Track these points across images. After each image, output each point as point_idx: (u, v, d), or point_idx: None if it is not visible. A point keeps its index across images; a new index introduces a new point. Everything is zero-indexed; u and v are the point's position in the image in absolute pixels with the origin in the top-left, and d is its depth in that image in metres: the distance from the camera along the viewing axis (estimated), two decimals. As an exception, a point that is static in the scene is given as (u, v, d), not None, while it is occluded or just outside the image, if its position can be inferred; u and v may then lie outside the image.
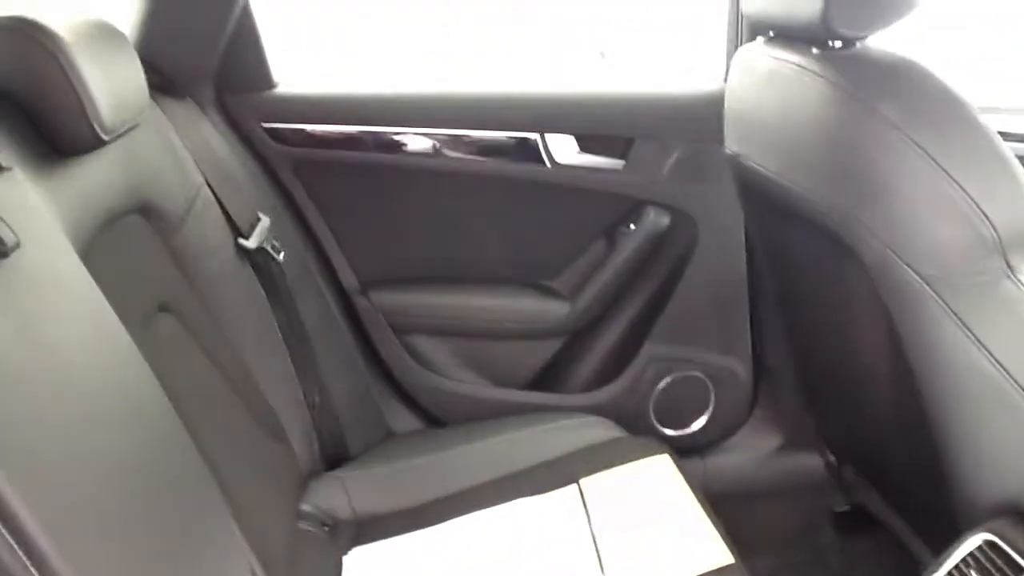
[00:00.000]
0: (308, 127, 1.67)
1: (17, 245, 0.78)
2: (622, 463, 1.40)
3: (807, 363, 1.62)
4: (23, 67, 0.98)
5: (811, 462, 1.75)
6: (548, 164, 1.67)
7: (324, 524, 1.36)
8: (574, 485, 1.37)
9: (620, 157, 1.68)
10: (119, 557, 0.78)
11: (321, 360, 1.55)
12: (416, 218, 1.77)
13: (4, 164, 0.90)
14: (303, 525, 1.34)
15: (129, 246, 1.17)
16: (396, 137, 1.68)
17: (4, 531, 0.67)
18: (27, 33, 0.99)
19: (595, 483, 1.37)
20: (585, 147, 1.69)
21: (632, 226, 1.72)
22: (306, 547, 1.30)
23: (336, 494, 1.42)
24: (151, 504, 0.86)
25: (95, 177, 1.09)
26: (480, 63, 2.46)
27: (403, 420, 1.81)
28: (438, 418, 1.81)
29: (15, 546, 0.68)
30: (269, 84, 1.68)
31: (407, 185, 1.72)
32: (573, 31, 2.61)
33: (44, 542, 0.69)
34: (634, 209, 1.71)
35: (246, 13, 1.58)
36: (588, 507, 1.32)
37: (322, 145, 1.68)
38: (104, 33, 1.14)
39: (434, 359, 1.81)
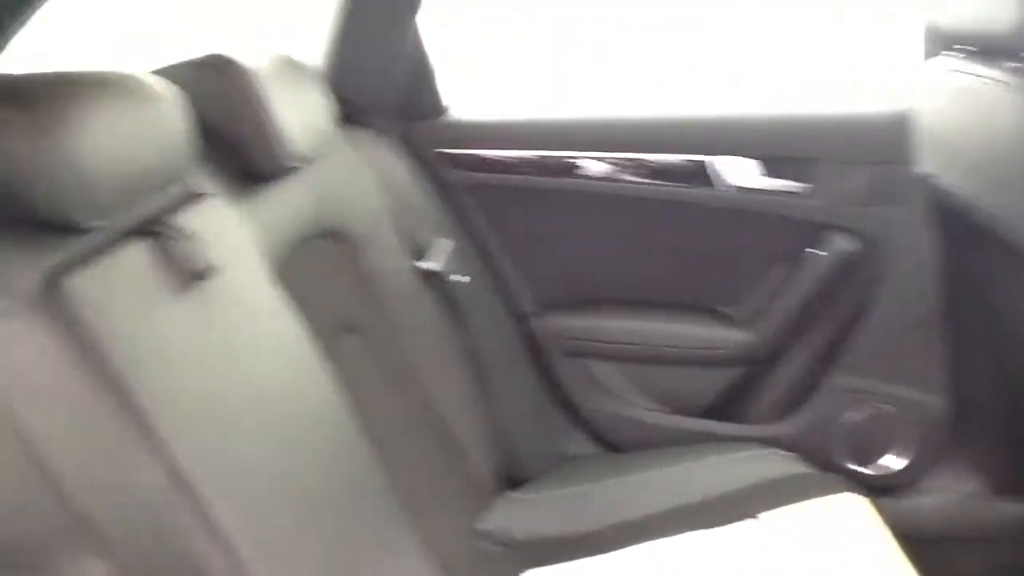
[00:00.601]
0: (483, 152, 1.70)
1: (216, 268, 0.83)
2: (804, 499, 1.34)
3: (1019, 403, 1.50)
4: (220, 100, 1.05)
5: (1013, 510, 1.61)
6: (725, 187, 1.63)
7: (500, 544, 1.37)
8: (752, 520, 1.31)
9: (802, 180, 1.61)
10: (306, 562, 0.81)
11: (498, 382, 1.56)
12: (591, 242, 1.76)
13: (205, 191, 0.97)
14: (480, 544, 1.35)
15: (317, 269, 1.23)
16: (570, 161, 1.68)
17: (211, 539, 0.72)
18: (224, 69, 1.06)
19: (775, 519, 1.31)
20: (765, 170, 1.63)
21: (816, 251, 1.64)
22: (483, 566, 1.31)
23: (512, 515, 1.42)
24: (337, 516, 0.90)
25: (286, 203, 1.16)
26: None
27: (578, 444, 1.80)
28: (613, 443, 1.79)
29: (215, 545, 0.72)
30: (442, 110, 1.73)
31: (582, 209, 1.72)
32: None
33: (245, 549, 0.73)
34: (818, 233, 1.64)
35: (418, 42, 1.63)
36: (767, 545, 1.26)
37: (497, 170, 1.71)
38: (294, 69, 1.21)
39: (610, 384, 1.79)
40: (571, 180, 1.69)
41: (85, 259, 0.73)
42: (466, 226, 1.73)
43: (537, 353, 1.79)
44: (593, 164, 1.67)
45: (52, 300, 0.69)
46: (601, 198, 1.70)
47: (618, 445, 1.78)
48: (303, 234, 1.20)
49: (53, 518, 0.65)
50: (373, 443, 1.05)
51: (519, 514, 1.43)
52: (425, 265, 1.47)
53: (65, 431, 0.67)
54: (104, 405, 0.70)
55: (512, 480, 1.56)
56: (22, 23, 0.91)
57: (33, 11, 0.91)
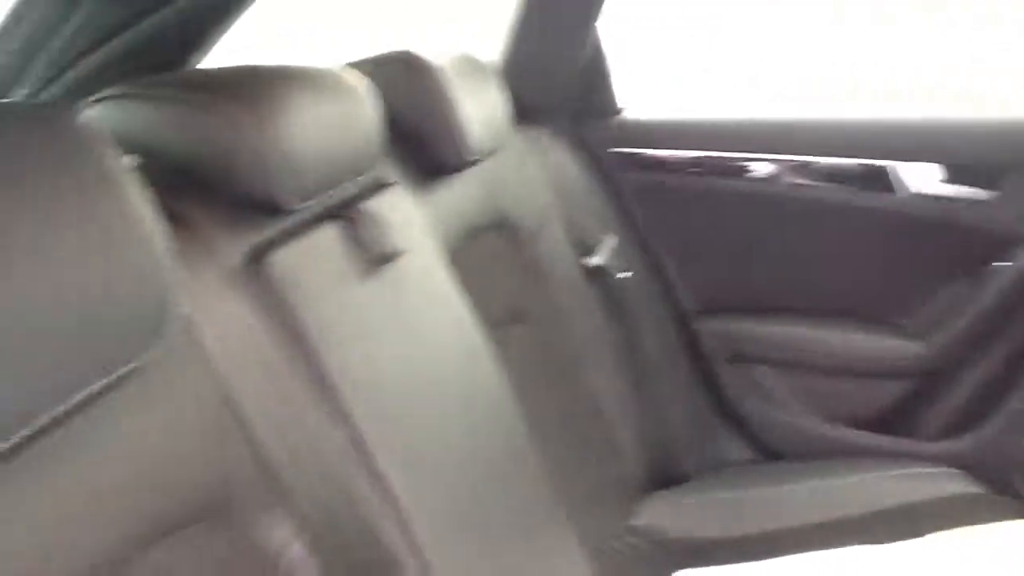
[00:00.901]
0: (653, 152, 1.71)
1: (401, 251, 0.89)
2: (975, 522, 1.27)
3: None
4: (408, 95, 1.11)
5: None
6: (902, 193, 1.57)
7: (652, 542, 1.38)
8: (919, 540, 1.26)
9: (989, 188, 1.53)
10: (470, 541, 0.85)
11: (658, 382, 1.57)
12: (759, 246, 1.73)
13: (391, 180, 1.02)
14: (632, 540, 1.37)
15: (486, 259, 1.27)
16: (741, 163, 1.66)
17: (385, 506, 0.77)
18: (413, 66, 1.12)
19: (945, 541, 1.25)
20: (949, 177, 1.56)
21: (1003, 263, 1.56)
22: (634, 562, 1.32)
23: (667, 514, 1.43)
24: (497, 497, 0.94)
25: (462, 194, 1.21)
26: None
27: (736, 449, 1.78)
28: (773, 451, 1.76)
29: (388, 510, 0.77)
30: (615, 110, 1.74)
31: (751, 212, 1.70)
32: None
33: (414, 518, 0.77)
34: (1004, 245, 1.56)
35: (595, 42, 1.65)
36: (932, 566, 1.21)
37: (667, 170, 1.71)
38: (475, 67, 1.26)
39: (772, 390, 1.76)
40: (743, 182, 1.67)
41: (286, 238, 0.80)
42: (633, 225, 1.74)
43: (698, 355, 1.78)
44: (767, 166, 1.64)
45: (256, 274, 0.76)
46: (773, 201, 1.67)
47: (778, 453, 1.75)
48: (475, 225, 1.24)
49: (247, 473, 0.70)
50: (533, 431, 1.08)
51: (673, 514, 1.43)
52: (591, 261, 1.49)
53: (263, 394, 0.73)
54: (297, 373, 0.76)
55: (666, 480, 1.56)
56: (227, 26, 0.99)
57: (237, 16, 0.98)
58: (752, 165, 1.65)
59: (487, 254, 1.28)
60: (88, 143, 0.54)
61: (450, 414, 0.90)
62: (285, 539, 0.72)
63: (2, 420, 0.45)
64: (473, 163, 1.16)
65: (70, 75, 0.93)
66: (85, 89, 0.93)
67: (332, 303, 0.81)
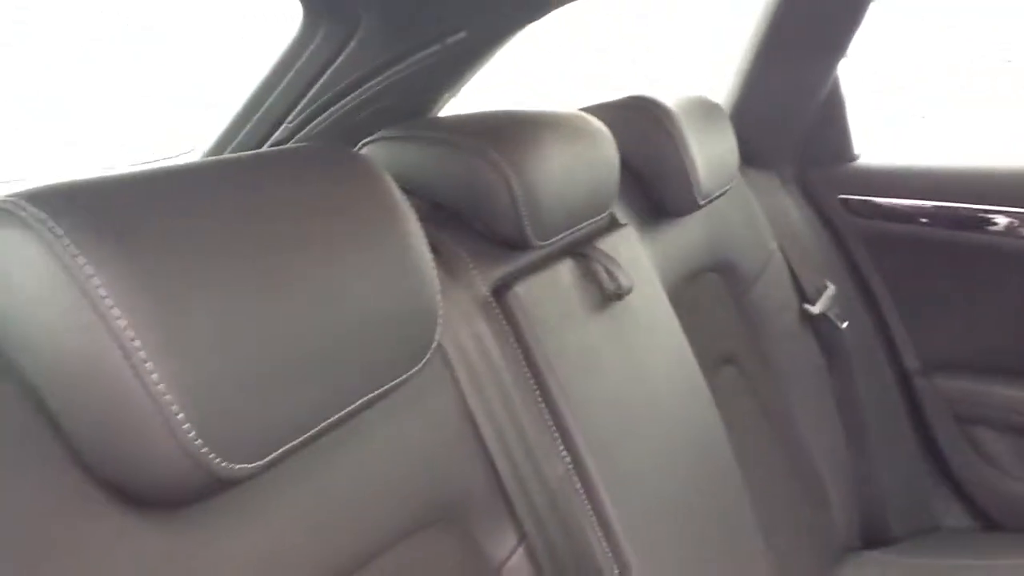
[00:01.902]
0: (884, 200, 1.66)
1: (630, 289, 0.93)
2: None
3: None
4: (642, 138, 1.15)
5: None
6: None
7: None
8: None
9: None
10: (675, 570, 0.88)
11: (872, 436, 1.52)
12: (993, 301, 1.64)
13: (621, 220, 1.07)
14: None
15: (705, 300, 1.29)
16: (977, 214, 1.59)
17: (599, 530, 0.81)
18: (646, 109, 1.16)
19: None
20: None
21: None
22: None
23: (874, 573, 1.38)
24: (706, 534, 0.96)
25: (685, 236, 1.24)
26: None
27: (951, 515, 1.69)
28: (993, 520, 1.66)
29: (600, 533, 0.82)
30: (850, 157, 1.71)
31: (986, 265, 1.62)
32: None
33: (626, 545, 0.81)
34: None
35: (835, 87, 1.63)
36: None
37: (897, 219, 1.66)
38: (708, 109, 1.28)
39: (997, 455, 1.66)
40: (978, 235, 1.60)
41: (528, 272, 0.86)
42: (857, 274, 1.70)
43: (918, 413, 1.70)
44: (1006, 219, 1.56)
45: (500, 304, 0.82)
46: (1008, 255, 1.59)
47: (996, 522, 1.65)
48: (696, 267, 1.27)
49: (480, 485, 0.77)
50: (743, 475, 1.09)
51: (881, 574, 1.39)
52: (811, 308, 1.48)
53: (496, 415, 0.79)
54: (528, 398, 0.82)
55: (874, 539, 1.51)
56: (474, 72, 1.07)
57: (483, 64, 1.06)
58: (991, 216, 1.58)
59: (705, 296, 1.30)
60: (378, 182, 0.62)
61: (667, 450, 0.94)
62: (507, 550, 0.78)
63: (279, 428, 0.51)
64: (700, 206, 1.18)
65: (328, 115, 1.04)
66: (340, 127, 1.04)
67: (565, 335, 0.86)
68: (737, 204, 1.41)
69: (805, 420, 1.41)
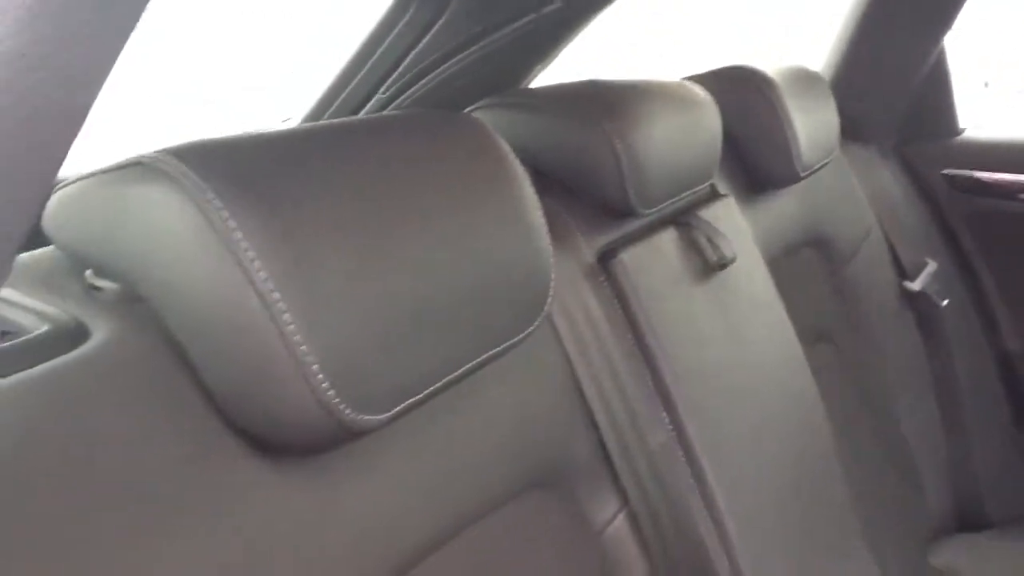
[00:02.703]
0: (990, 175, 1.60)
1: (733, 259, 0.92)
2: None
3: None
4: (744, 109, 1.14)
5: None
6: None
7: (948, 583, 1.32)
8: None
9: None
10: (775, 548, 0.88)
11: (969, 417, 1.49)
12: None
13: (721, 191, 1.06)
14: (932, 579, 1.32)
15: (799, 275, 1.27)
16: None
17: (702, 499, 0.81)
18: (748, 79, 1.14)
19: None
20: None
21: None
22: None
23: (968, 557, 1.36)
24: (803, 509, 0.95)
25: (783, 209, 1.22)
26: None
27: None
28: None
29: (701, 503, 0.82)
30: (954, 131, 1.65)
31: None
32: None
33: (728, 514, 0.81)
34: None
35: (939, 60, 1.58)
36: None
37: (1002, 195, 1.60)
38: (809, 80, 1.26)
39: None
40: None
41: (632, 240, 0.86)
42: (958, 252, 1.65)
43: (1017, 395, 1.65)
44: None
45: (605, 271, 0.83)
46: None
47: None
48: (792, 241, 1.25)
49: (583, 450, 0.77)
50: (838, 452, 1.08)
51: (976, 558, 1.36)
52: (909, 285, 1.44)
53: (601, 381, 0.79)
54: (632, 365, 0.82)
55: (969, 522, 1.48)
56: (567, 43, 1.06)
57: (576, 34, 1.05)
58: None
59: (801, 270, 1.28)
60: (493, 145, 0.63)
61: (767, 422, 0.93)
62: (609, 514, 0.79)
63: (404, 382, 0.53)
64: (800, 179, 1.16)
65: (422, 85, 1.05)
66: (434, 97, 1.04)
67: (668, 304, 0.86)
68: (836, 178, 1.38)
69: (900, 399, 1.39)
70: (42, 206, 0.28)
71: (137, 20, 0.29)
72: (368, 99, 1.09)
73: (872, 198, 1.48)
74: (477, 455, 0.65)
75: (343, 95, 1.09)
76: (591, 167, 0.83)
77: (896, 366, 1.40)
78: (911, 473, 1.38)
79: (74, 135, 0.30)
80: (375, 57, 1.04)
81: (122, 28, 0.28)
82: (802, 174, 1.15)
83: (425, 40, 1.00)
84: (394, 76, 1.06)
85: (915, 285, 1.45)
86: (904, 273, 1.46)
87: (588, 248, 0.83)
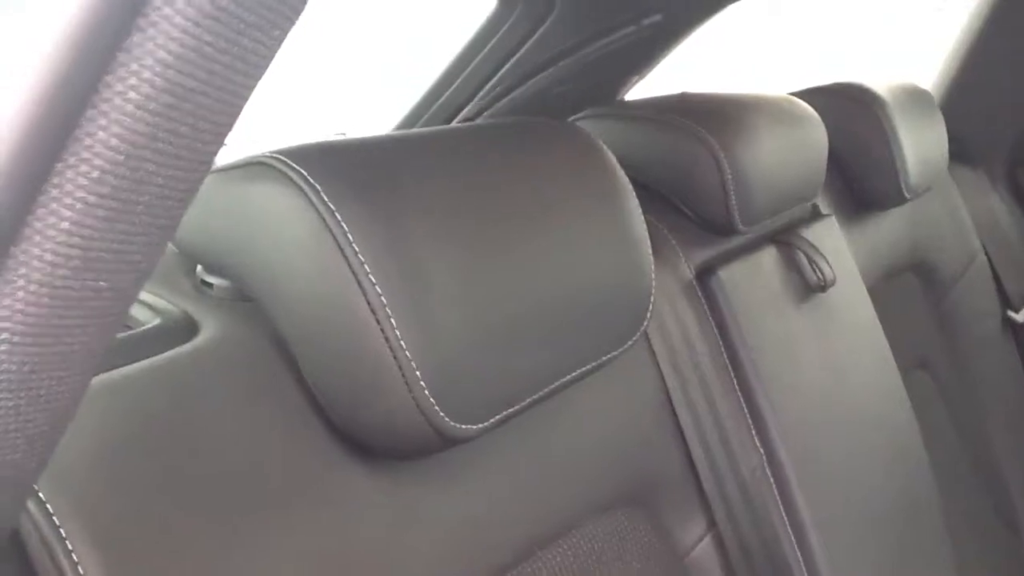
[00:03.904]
0: None
1: (834, 281, 0.90)
2: None
3: None
4: (851, 126, 1.10)
5: None
6: None
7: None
8: None
9: None
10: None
11: (1075, 456, 1.42)
12: None
13: (824, 211, 1.03)
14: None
15: (900, 300, 1.23)
16: None
17: (789, 526, 0.79)
18: (856, 96, 1.11)
19: None
20: None
21: None
22: None
23: None
24: (892, 538, 0.91)
25: (886, 232, 1.18)
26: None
27: None
28: None
29: (790, 531, 0.79)
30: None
31: None
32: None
33: (816, 543, 0.79)
34: None
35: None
36: None
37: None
38: (919, 98, 1.21)
39: None
40: None
41: (732, 257, 0.84)
42: None
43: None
44: None
45: (704, 288, 0.81)
46: None
47: None
48: (894, 265, 1.21)
49: (673, 469, 0.76)
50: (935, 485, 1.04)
51: None
52: (1015, 316, 1.39)
53: (694, 401, 0.77)
54: (726, 386, 0.80)
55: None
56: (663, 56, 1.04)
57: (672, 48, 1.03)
58: None
59: (902, 295, 1.24)
60: (599, 156, 0.62)
61: (862, 451, 0.90)
62: (696, 536, 0.77)
63: (502, 393, 0.52)
64: (905, 200, 1.13)
65: (519, 94, 1.04)
66: (530, 106, 1.04)
67: (766, 324, 0.84)
68: (942, 201, 1.33)
69: (999, 433, 1.33)
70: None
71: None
72: (463, 107, 1.09)
73: (979, 223, 1.42)
74: (567, 469, 0.65)
75: (440, 101, 1.10)
76: (694, 181, 0.81)
77: (996, 399, 1.34)
78: (1007, 510, 1.32)
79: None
80: (473, 64, 1.04)
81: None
82: (908, 196, 1.12)
83: (524, 49, 1.00)
84: (491, 84, 1.06)
85: (1020, 316, 1.39)
86: (1009, 303, 1.40)
87: (687, 264, 0.81)
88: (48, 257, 0.24)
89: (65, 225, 0.24)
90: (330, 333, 0.46)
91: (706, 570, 0.77)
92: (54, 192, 0.24)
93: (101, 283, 0.25)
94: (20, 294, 0.25)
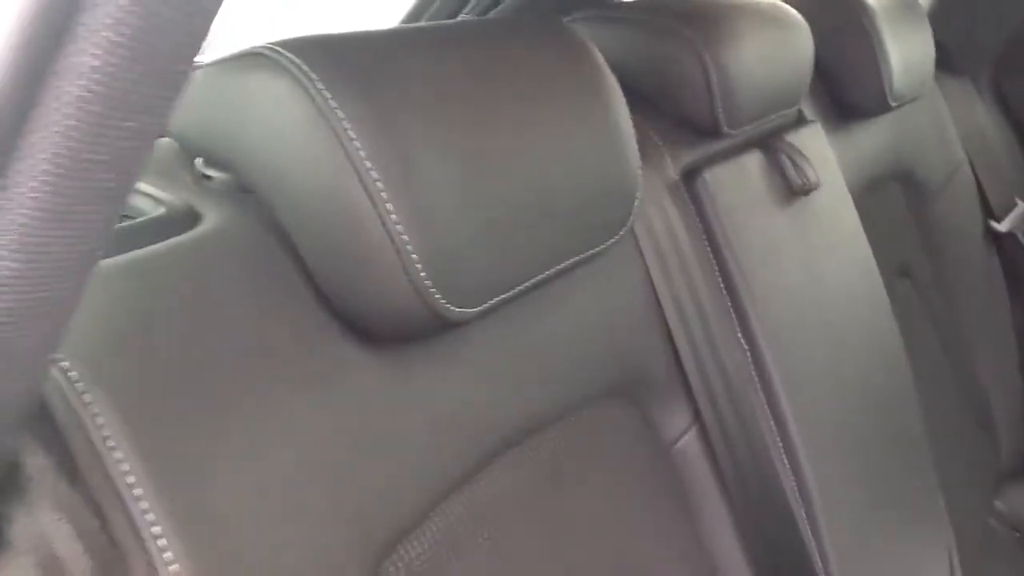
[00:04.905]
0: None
1: (817, 186, 0.91)
2: None
3: None
4: (836, 31, 1.11)
5: None
6: None
7: (1016, 529, 1.31)
8: None
9: None
10: (846, 475, 0.88)
11: (1049, 362, 1.46)
12: None
13: (809, 117, 1.05)
14: (992, 522, 1.31)
15: (884, 209, 1.25)
16: None
17: (773, 419, 0.82)
18: (841, 2, 1.11)
19: None
20: None
21: None
22: (990, 543, 1.27)
23: None
24: (876, 441, 0.95)
25: (870, 141, 1.19)
26: None
27: None
28: None
29: (773, 424, 0.83)
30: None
31: None
32: None
33: (799, 437, 0.82)
34: None
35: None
36: None
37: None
38: (906, 7, 1.22)
39: None
40: None
41: (717, 159, 0.86)
42: None
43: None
44: None
45: (689, 188, 0.83)
46: None
47: None
48: (878, 174, 1.22)
49: (659, 363, 0.78)
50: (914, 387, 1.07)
51: None
52: (997, 226, 1.41)
53: (679, 298, 0.79)
54: (710, 284, 0.82)
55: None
56: None
57: None
58: None
59: (886, 204, 1.26)
60: (589, 55, 0.63)
61: (843, 351, 0.93)
62: (681, 429, 0.80)
63: (495, 278, 0.54)
64: (890, 108, 1.14)
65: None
66: (531, 5, 1.04)
67: (750, 226, 0.86)
68: (927, 110, 1.34)
69: (979, 340, 1.37)
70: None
71: None
72: (465, 3, 1.09)
73: (963, 134, 1.44)
74: (557, 360, 0.67)
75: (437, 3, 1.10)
76: (680, 83, 0.82)
77: (976, 306, 1.38)
78: (984, 415, 1.36)
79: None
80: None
81: None
82: (892, 104, 1.13)
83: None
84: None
85: (1002, 225, 1.41)
86: (991, 213, 1.42)
87: (672, 165, 0.83)
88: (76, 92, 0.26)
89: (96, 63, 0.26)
90: (329, 221, 0.48)
91: (690, 460, 0.80)
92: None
93: (128, 123, 0.27)
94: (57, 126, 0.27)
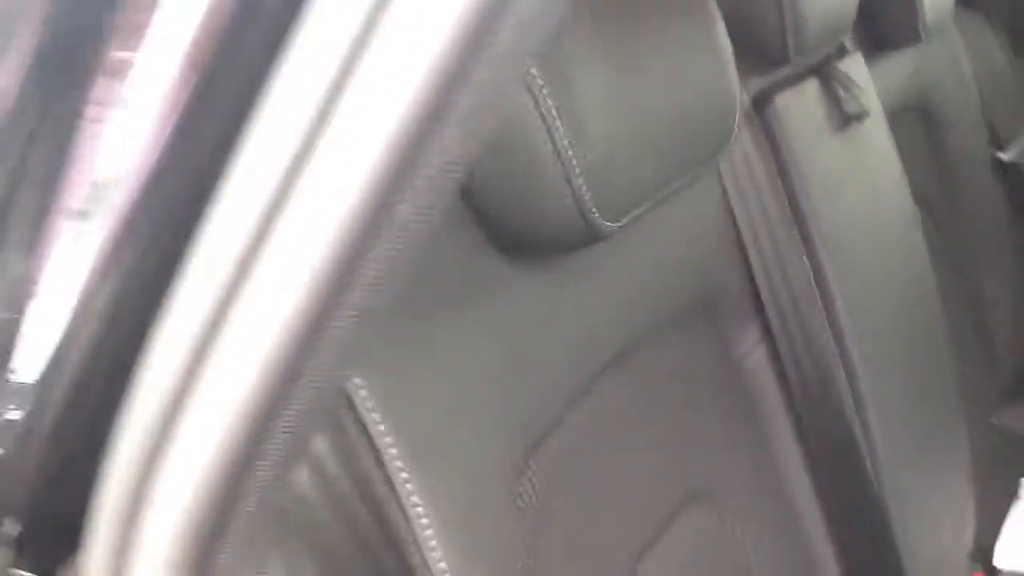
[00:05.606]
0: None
1: (868, 113, 0.95)
2: None
3: None
4: None
5: None
6: None
7: (1010, 442, 1.38)
8: None
9: None
10: (890, 377, 0.94)
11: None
12: None
13: (848, 47, 1.07)
14: (992, 438, 1.38)
15: (903, 139, 1.29)
16: None
17: (833, 329, 0.87)
18: None
19: None
20: None
21: None
22: (987, 456, 1.34)
23: None
24: (911, 357, 1.01)
25: (896, 72, 1.22)
26: None
27: None
28: None
29: (833, 344, 0.87)
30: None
31: None
32: None
33: (851, 341, 0.87)
34: None
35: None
36: None
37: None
38: None
39: None
40: None
41: (783, 86, 0.88)
42: None
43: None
44: None
45: (761, 114, 0.86)
46: None
47: None
48: (900, 104, 1.26)
49: (734, 285, 0.83)
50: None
51: None
52: (1004, 156, 1.46)
53: (753, 220, 0.83)
54: (780, 206, 0.86)
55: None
56: None
57: None
58: None
59: (904, 134, 1.29)
60: None
61: (889, 274, 0.98)
62: (751, 345, 0.85)
63: (632, 193, 0.57)
64: (919, 40, 1.17)
65: None
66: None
67: (815, 151, 0.89)
68: (947, 46, 1.37)
69: (985, 267, 1.42)
70: None
71: None
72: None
73: (977, 67, 1.47)
74: (654, 279, 0.71)
75: None
76: (751, 6, 0.84)
77: (985, 234, 1.43)
78: (986, 335, 1.42)
79: None
80: None
81: None
82: (920, 37, 1.16)
83: None
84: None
85: (1008, 156, 1.46)
86: (999, 143, 1.47)
87: (744, 91, 0.85)
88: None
89: None
90: (496, 139, 0.50)
91: (759, 374, 0.85)
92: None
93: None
94: None
